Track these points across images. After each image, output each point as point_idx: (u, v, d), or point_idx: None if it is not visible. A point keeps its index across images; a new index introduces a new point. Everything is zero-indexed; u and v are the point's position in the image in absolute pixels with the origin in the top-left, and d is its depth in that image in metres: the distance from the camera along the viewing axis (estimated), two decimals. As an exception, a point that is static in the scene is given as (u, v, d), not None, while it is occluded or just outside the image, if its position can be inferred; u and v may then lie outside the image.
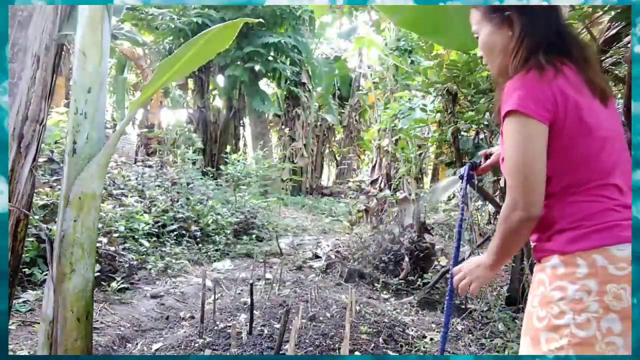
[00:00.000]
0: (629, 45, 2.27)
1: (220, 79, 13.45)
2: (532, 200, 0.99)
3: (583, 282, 0.95)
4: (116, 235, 4.03)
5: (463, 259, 1.66)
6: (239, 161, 7.77)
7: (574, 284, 0.96)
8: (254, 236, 6.36)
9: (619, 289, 0.93)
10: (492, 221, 5.48)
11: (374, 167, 5.89)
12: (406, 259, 4.42)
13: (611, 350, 0.92)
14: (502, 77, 1.12)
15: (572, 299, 0.95)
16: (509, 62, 1.08)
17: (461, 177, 1.57)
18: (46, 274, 1.90)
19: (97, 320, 2.84)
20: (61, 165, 4.60)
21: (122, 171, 6.28)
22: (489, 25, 1.14)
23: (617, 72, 2.69)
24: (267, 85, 15.03)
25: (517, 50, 1.06)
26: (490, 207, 5.31)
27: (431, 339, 2.88)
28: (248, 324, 2.65)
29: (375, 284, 4.33)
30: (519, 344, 2.59)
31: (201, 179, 8.22)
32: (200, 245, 5.39)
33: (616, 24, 2.48)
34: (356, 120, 16.04)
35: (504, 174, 1.12)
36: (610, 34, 2.56)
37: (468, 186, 1.57)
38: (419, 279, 4.19)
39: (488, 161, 1.49)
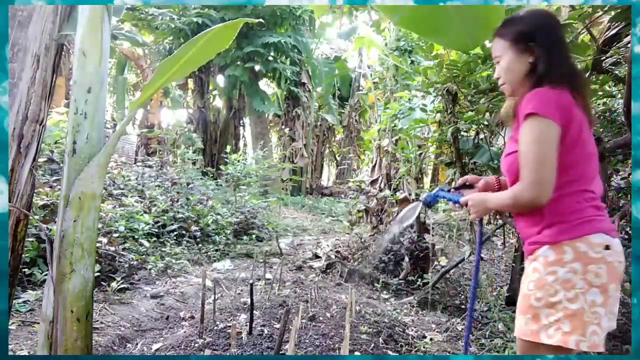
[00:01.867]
0: (629, 45, 2.27)
1: (220, 79, 13.45)
2: (545, 190, 1.22)
3: (570, 265, 1.20)
4: (116, 235, 4.03)
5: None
6: (239, 161, 7.76)
7: (563, 267, 1.21)
8: (254, 236, 6.36)
9: (597, 268, 1.20)
10: (491, 221, 5.48)
11: (374, 167, 5.88)
12: (406, 259, 4.42)
13: (595, 319, 1.18)
14: (517, 94, 1.38)
15: (562, 279, 1.20)
16: (525, 83, 1.34)
17: (424, 203, 1.74)
18: (46, 274, 1.90)
19: (97, 320, 2.84)
20: (61, 165, 4.60)
21: (122, 171, 6.28)
22: (512, 53, 1.36)
23: (617, 72, 2.69)
24: (267, 85, 15.02)
25: (534, 74, 1.31)
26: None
27: (431, 339, 2.88)
28: (248, 324, 2.65)
29: (375, 284, 4.33)
30: (518, 344, 2.56)
31: (201, 179, 8.23)
32: (200, 245, 5.39)
33: (616, 24, 2.48)
34: (356, 120, 16.03)
35: (506, 171, 1.38)
36: (610, 34, 2.56)
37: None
38: (419, 279, 4.18)
39: (479, 188, 1.63)
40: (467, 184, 1.66)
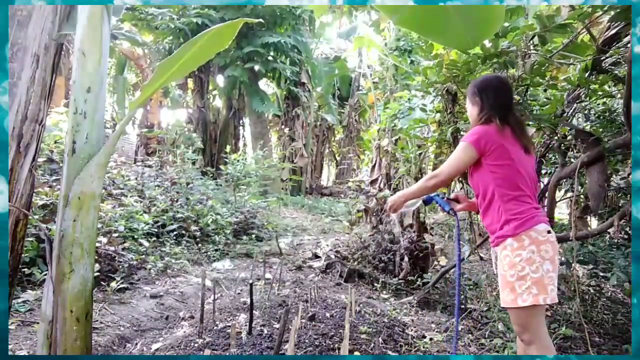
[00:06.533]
0: (628, 45, 2.27)
1: (220, 79, 13.44)
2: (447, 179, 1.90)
3: (529, 248, 1.70)
4: (116, 235, 4.02)
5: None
6: (238, 161, 7.76)
7: (525, 250, 1.71)
8: (253, 236, 6.36)
9: (545, 247, 1.71)
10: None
11: (373, 167, 5.87)
12: (406, 258, 4.42)
13: (551, 281, 1.68)
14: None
15: (526, 258, 1.70)
16: (477, 121, 1.92)
17: (424, 202, 2.21)
18: (45, 274, 1.90)
19: (97, 320, 2.83)
20: (60, 165, 4.59)
21: (122, 171, 6.27)
22: (470, 103, 2.00)
23: (616, 72, 2.68)
24: (267, 85, 15.01)
25: (480, 116, 1.91)
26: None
27: (431, 339, 2.88)
28: (248, 323, 2.65)
29: (375, 284, 4.33)
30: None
31: (201, 179, 8.22)
32: (199, 245, 5.39)
33: (616, 24, 2.48)
34: (356, 120, 16.04)
35: (477, 196, 1.93)
36: (610, 34, 2.56)
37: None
38: (419, 279, 4.18)
39: (460, 207, 2.20)
40: (457, 198, 2.21)
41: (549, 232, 1.75)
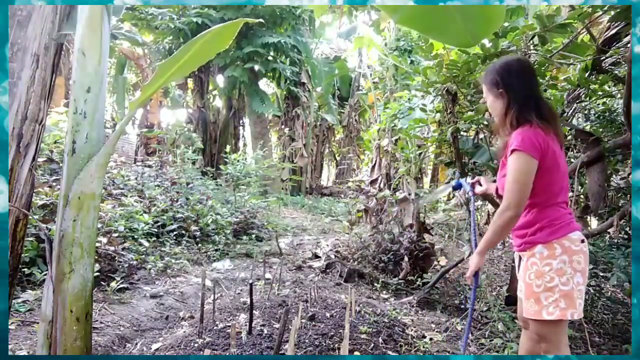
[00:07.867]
0: (628, 45, 2.27)
1: (220, 79, 13.44)
2: (521, 208, 1.61)
3: (561, 257, 1.57)
4: (116, 235, 4.02)
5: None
6: (238, 161, 7.76)
7: (555, 260, 1.57)
8: (253, 236, 6.36)
9: (578, 257, 1.58)
10: (489, 221, 5.47)
11: (373, 167, 5.88)
12: (406, 258, 4.42)
13: (580, 295, 1.57)
14: (501, 128, 1.74)
15: (556, 268, 1.56)
16: (504, 121, 1.70)
17: (453, 188, 2.22)
18: (45, 274, 1.90)
19: (97, 320, 2.83)
20: (60, 164, 4.59)
21: (122, 171, 6.27)
22: (492, 95, 1.75)
23: (616, 72, 2.69)
24: (267, 85, 15.00)
25: (507, 115, 1.68)
26: (490, 207, 5.31)
27: (431, 339, 2.88)
28: (248, 323, 2.65)
29: (375, 284, 4.33)
30: (518, 343, 2.60)
31: (201, 178, 8.22)
32: (199, 245, 5.39)
33: (616, 24, 2.49)
34: (356, 120, 16.03)
35: (504, 189, 1.67)
36: (610, 34, 2.57)
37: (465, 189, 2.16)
38: (419, 279, 4.18)
39: (481, 189, 2.08)
40: (478, 181, 2.13)
41: (582, 241, 1.61)
